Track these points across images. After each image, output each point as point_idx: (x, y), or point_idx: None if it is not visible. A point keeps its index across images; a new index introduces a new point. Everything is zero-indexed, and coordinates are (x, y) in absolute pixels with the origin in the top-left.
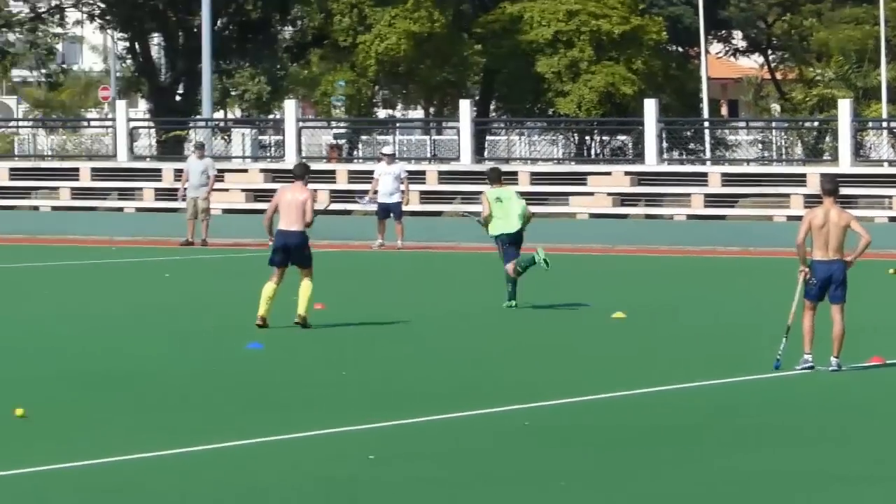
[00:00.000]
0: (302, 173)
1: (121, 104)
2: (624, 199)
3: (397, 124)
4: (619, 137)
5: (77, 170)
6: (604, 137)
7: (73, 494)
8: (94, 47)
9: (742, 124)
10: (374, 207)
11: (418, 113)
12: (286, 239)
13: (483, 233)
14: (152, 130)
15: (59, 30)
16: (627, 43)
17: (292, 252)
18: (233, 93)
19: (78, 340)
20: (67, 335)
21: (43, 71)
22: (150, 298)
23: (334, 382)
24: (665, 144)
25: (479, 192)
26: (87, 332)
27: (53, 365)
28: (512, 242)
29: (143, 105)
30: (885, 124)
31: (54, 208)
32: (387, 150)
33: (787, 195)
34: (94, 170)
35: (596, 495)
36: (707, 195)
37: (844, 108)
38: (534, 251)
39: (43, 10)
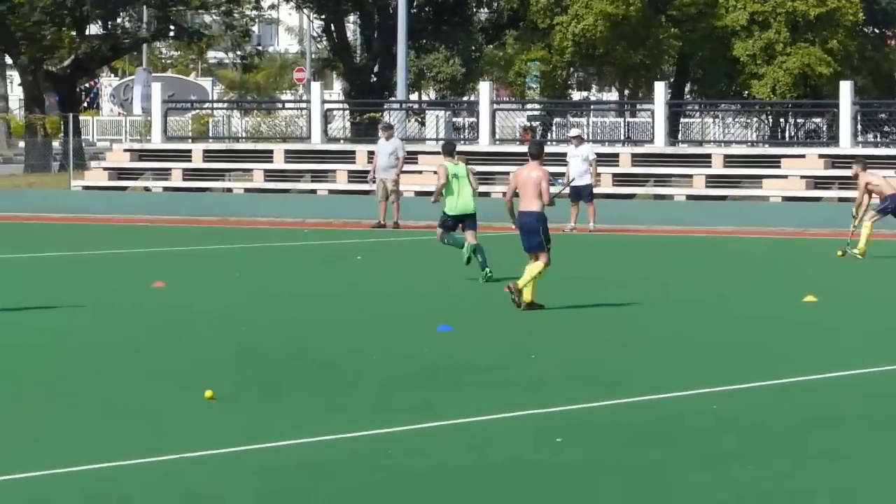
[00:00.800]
0: (538, 153)
1: (315, 86)
2: (818, 182)
3: (591, 106)
4: (813, 120)
5: (271, 152)
6: (798, 120)
7: (262, 473)
8: (289, 29)
9: None
10: (567, 191)
11: (612, 95)
12: (525, 219)
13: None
14: (346, 112)
15: (254, 12)
16: (823, 24)
17: (531, 231)
18: (427, 74)
19: (273, 321)
20: (260, 317)
21: (238, 53)
22: (341, 280)
23: (524, 364)
24: (860, 127)
25: (672, 175)
26: (280, 312)
27: (266, 341)
28: (461, 221)
29: (337, 86)
30: None
31: (247, 190)
32: (574, 132)
33: None
34: (287, 152)
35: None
36: None
37: None
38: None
39: None
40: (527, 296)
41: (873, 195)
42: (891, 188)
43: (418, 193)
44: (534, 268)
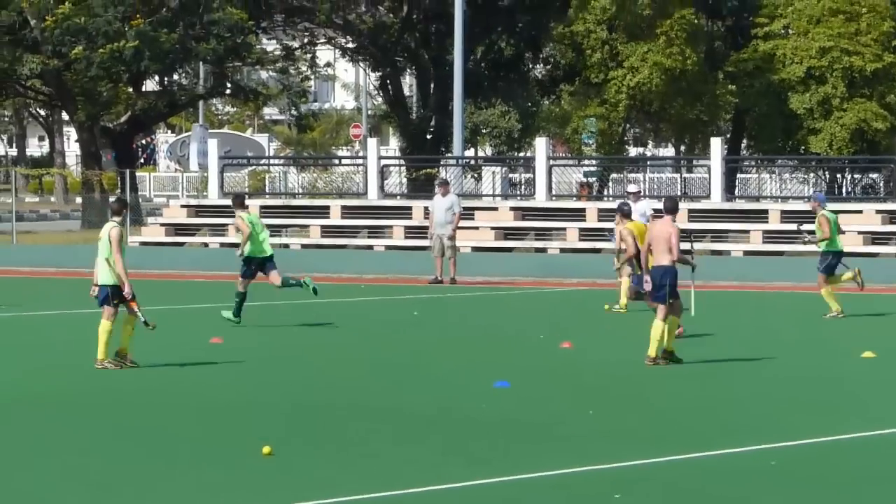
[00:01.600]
0: (672, 208)
1: (372, 142)
2: (875, 237)
3: (648, 162)
4: (870, 175)
5: (328, 208)
6: (855, 175)
7: None
8: (345, 85)
9: None
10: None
11: (669, 151)
12: (656, 272)
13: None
14: (402, 168)
15: (309, 70)
16: (880, 79)
17: (659, 285)
18: (484, 130)
19: (331, 375)
20: (316, 371)
21: (294, 113)
22: (399, 336)
23: (581, 420)
24: None
25: (729, 231)
26: (339, 366)
27: (324, 396)
28: (263, 264)
29: (394, 142)
30: None
31: (304, 246)
32: (631, 188)
33: None
34: (344, 208)
35: None
36: None
37: None
38: (302, 278)
39: (295, 46)
40: (668, 345)
41: None
42: None
43: (475, 249)
44: (658, 329)
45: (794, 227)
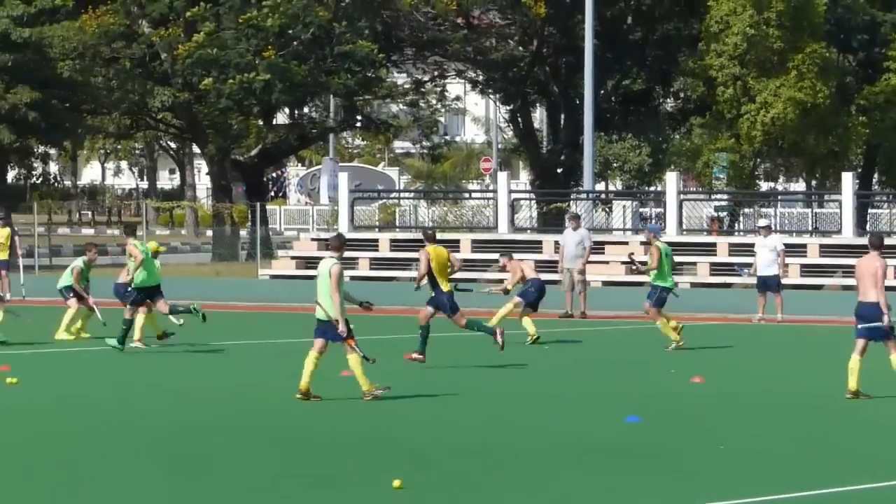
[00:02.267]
0: (878, 243)
1: (502, 176)
2: None
3: (779, 197)
4: None
5: (458, 241)
6: None
7: None
8: (475, 119)
9: None
10: (753, 280)
11: (799, 185)
12: (862, 309)
13: None
14: (533, 202)
15: (439, 103)
16: None
17: (872, 322)
18: (614, 164)
19: (462, 410)
20: (450, 408)
21: (426, 144)
22: (527, 369)
23: (709, 456)
24: None
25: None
26: (472, 401)
27: (453, 433)
28: (152, 293)
29: (524, 176)
30: None
31: None
32: (762, 222)
33: None
34: (474, 241)
35: None
36: None
37: None
38: (191, 305)
39: (426, 79)
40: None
41: None
42: None
43: (605, 283)
44: (855, 363)
45: None
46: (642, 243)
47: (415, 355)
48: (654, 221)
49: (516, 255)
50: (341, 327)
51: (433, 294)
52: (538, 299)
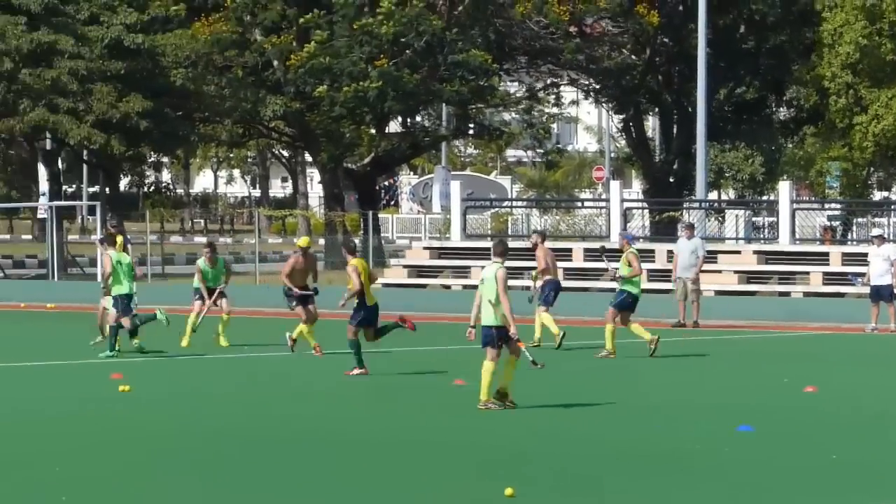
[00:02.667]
0: None
1: (615, 185)
2: None
3: (892, 206)
4: None
5: (570, 250)
6: None
7: None
8: (588, 128)
9: None
10: (867, 290)
11: None
12: None
13: None
14: (645, 211)
15: (554, 109)
16: None
17: None
18: (727, 173)
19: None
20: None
21: (539, 151)
22: (640, 378)
23: (824, 466)
24: None
25: None
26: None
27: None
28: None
29: (636, 185)
30: None
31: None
32: (875, 232)
33: None
34: (586, 250)
35: None
36: None
37: None
38: (154, 311)
39: (539, 87)
40: None
41: None
42: None
43: (718, 293)
44: None
45: None
46: (755, 252)
47: (356, 371)
48: (767, 231)
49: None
50: (513, 329)
51: (359, 308)
52: (555, 298)
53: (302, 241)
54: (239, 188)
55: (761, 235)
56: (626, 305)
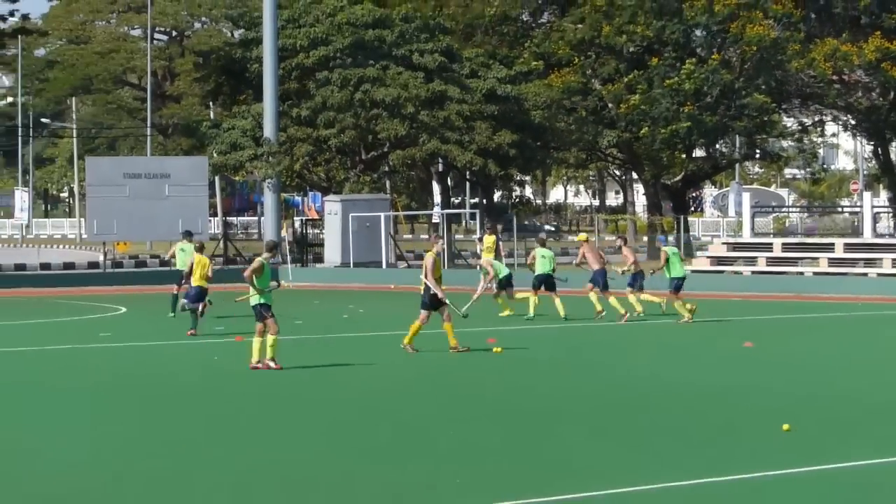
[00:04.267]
0: None
1: (867, 195)
2: None
3: None
4: None
5: (832, 245)
6: None
7: None
8: (847, 152)
9: None
10: None
11: None
12: None
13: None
14: (890, 215)
15: (820, 139)
16: None
17: None
18: None
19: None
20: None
21: (808, 170)
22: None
23: None
24: None
25: None
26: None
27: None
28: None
29: (883, 195)
30: None
31: (815, 273)
32: None
33: None
34: (846, 244)
35: None
36: None
37: None
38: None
39: (808, 123)
40: None
41: None
42: None
43: None
44: None
45: None
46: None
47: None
48: None
49: (873, 255)
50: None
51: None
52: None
53: (580, 236)
54: (583, 199)
55: None
56: (679, 287)
